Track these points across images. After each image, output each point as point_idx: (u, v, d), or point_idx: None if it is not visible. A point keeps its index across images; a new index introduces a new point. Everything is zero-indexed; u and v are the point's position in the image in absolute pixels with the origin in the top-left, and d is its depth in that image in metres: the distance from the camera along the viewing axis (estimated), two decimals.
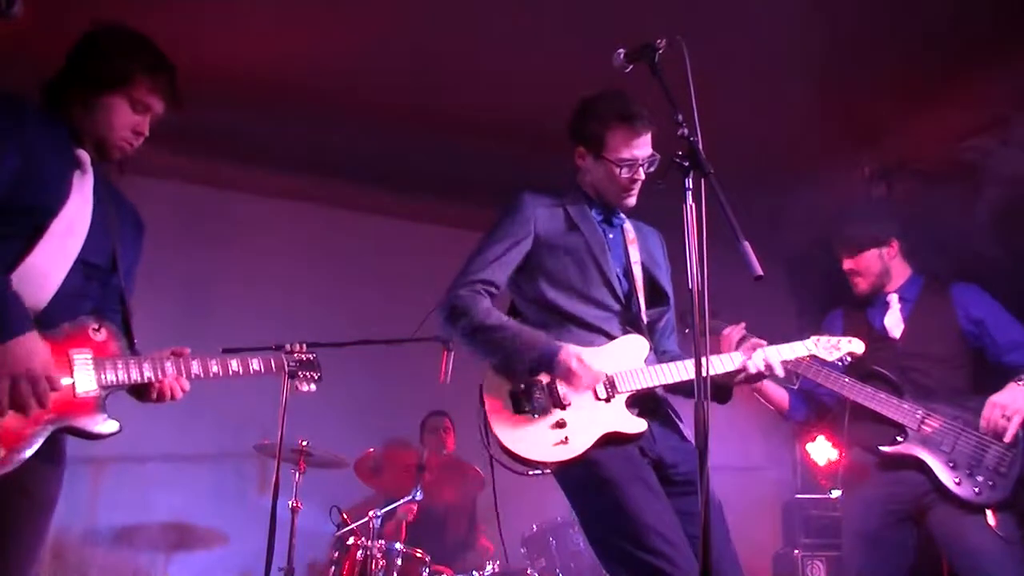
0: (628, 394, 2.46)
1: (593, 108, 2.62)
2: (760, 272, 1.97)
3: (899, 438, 3.20)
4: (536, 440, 2.36)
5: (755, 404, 3.51)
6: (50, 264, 2.10)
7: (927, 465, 3.15)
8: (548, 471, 2.42)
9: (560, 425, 2.37)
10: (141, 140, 2.30)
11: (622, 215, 2.74)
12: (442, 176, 5.58)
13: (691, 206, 2.07)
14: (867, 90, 4.42)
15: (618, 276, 2.60)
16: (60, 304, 2.11)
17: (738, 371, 2.58)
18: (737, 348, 3.05)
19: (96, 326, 2.17)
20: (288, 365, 2.48)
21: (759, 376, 2.60)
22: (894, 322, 3.41)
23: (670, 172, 2.29)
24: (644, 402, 2.51)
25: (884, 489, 3.25)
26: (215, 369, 2.29)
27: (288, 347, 2.53)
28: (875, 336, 3.39)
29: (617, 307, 2.58)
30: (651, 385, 2.49)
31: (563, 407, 2.39)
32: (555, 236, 2.58)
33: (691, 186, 2.08)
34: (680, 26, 2.27)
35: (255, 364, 2.36)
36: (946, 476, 3.13)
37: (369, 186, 5.74)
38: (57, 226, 2.10)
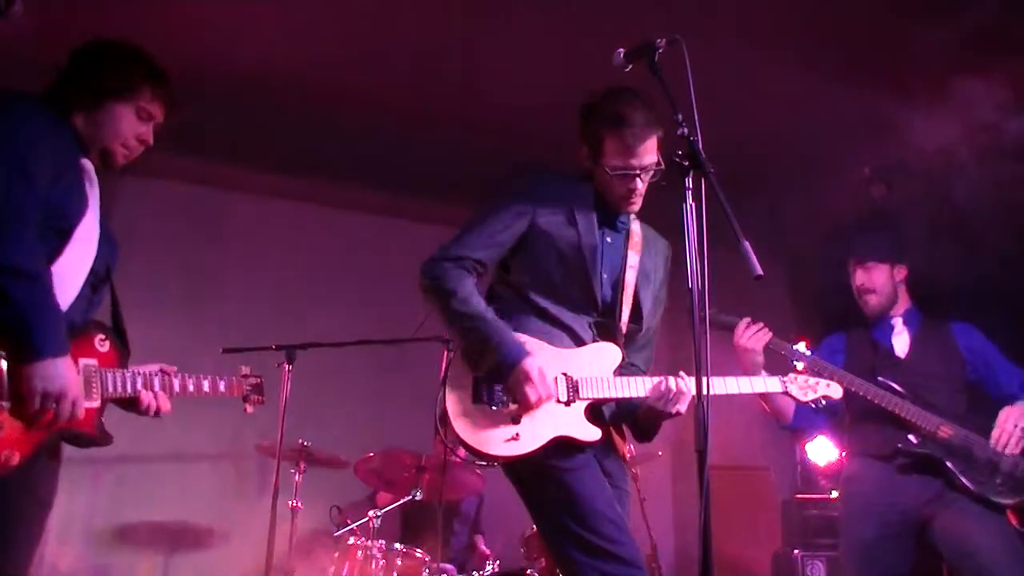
0: (589, 401, 2.41)
1: (593, 110, 2.51)
2: (760, 272, 1.96)
3: (912, 438, 3.21)
4: (488, 433, 2.33)
5: (756, 404, 3.50)
6: (72, 272, 2.13)
7: (945, 466, 3.17)
8: (496, 464, 2.40)
9: (514, 421, 2.34)
10: (142, 148, 2.34)
11: (631, 216, 2.64)
12: (441, 176, 5.58)
13: (691, 206, 2.06)
14: (868, 89, 4.42)
15: (604, 282, 2.52)
16: (74, 312, 2.14)
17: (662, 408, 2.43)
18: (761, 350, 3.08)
19: (102, 336, 2.22)
20: (244, 388, 2.65)
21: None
22: (901, 342, 3.47)
23: (670, 172, 2.29)
24: (599, 411, 2.47)
25: (886, 499, 3.25)
26: (191, 388, 2.43)
27: (244, 371, 2.67)
28: (882, 353, 3.44)
29: (594, 312, 2.51)
30: (615, 396, 2.44)
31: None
32: (552, 228, 2.49)
33: (691, 186, 2.08)
34: (680, 25, 2.27)
35: (221, 386, 2.54)
36: (966, 477, 3.16)
37: (369, 186, 5.75)
38: (77, 236, 2.14)
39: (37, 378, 1.95)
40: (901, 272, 3.52)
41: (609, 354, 2.49)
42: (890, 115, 4.22)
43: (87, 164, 2.23)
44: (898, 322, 3.51)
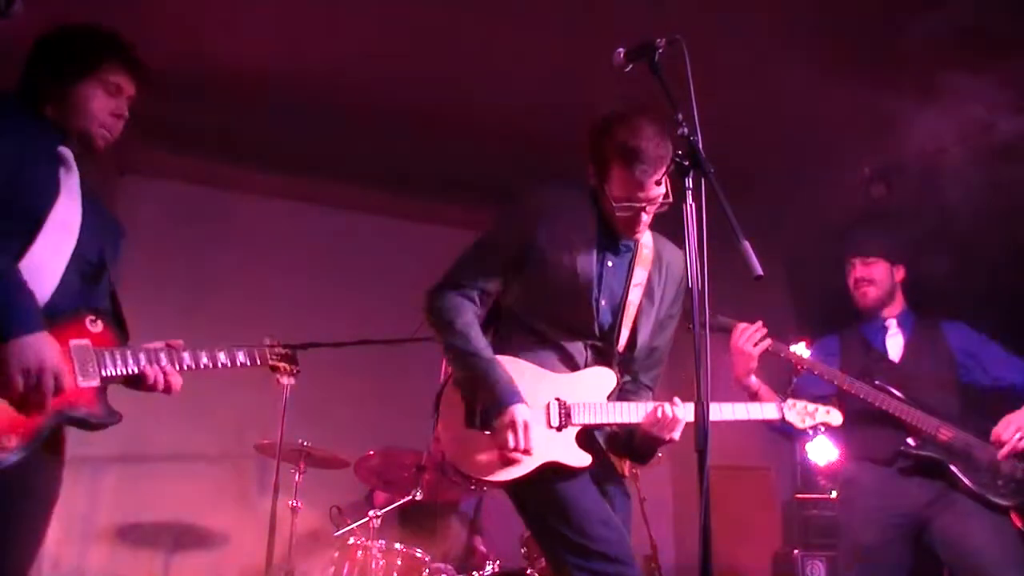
0: (580, 427, 2.40)
1: (603, 133, 2.39)
2: (760, 272, 1.97)
3: (911, 441, 3.21)
4: (479, 458, 2.33)
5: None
6: (48, 261, 2.11)
7: (948, 468, 3.17)
8: (486, 489, 2.40)
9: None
10: (122, 124, 2.30)
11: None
12: (442, 176, 5.58)
13: (691, 206, 2.07)
14: (868, 88, 4.42)
15: (603, 308, 2.47)
16: (59, 301, 2.12)
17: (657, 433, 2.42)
18: (756, 348, 3.05)
19: (93, 318, 2.18)
20: (270, 358, 2.52)
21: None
22: (895, 345, 3.47)
23: (670, 171, 2.29)
24: (591, 435, 2.46)
25: (887, 503, 3.25)
26: (205, 361, 2.32)
27: (268, 341, 2.55)
28: (875, 355, 3.44)
29: (590, 336, 2.47)
30: (606, 422, 2.43)
31: None
32: (548, 255, 2.42)
33: (691, 186, 2.08)
34: (681, 26, 2.27)
35: (241, 357, 2.40)
36: (968, 479, 3.16)
37: (369, 186, 5.75)
38: (52, 223, 2.12)
39: (12, 358, 1.94)
40: (900, 273, 3.53)
41: (604, 378, 2.47)
42: (891, 114, 4.22)
43: (64, 152, 2.21)
44: (892, 324, 3.51)
